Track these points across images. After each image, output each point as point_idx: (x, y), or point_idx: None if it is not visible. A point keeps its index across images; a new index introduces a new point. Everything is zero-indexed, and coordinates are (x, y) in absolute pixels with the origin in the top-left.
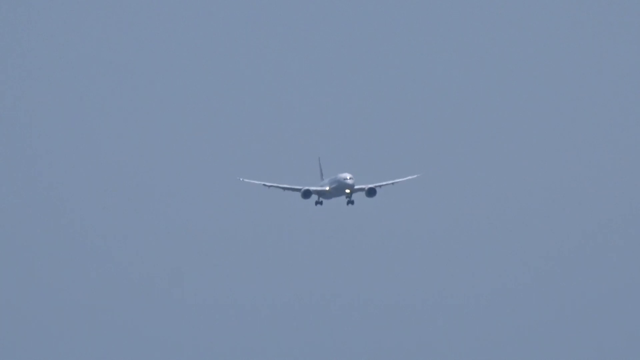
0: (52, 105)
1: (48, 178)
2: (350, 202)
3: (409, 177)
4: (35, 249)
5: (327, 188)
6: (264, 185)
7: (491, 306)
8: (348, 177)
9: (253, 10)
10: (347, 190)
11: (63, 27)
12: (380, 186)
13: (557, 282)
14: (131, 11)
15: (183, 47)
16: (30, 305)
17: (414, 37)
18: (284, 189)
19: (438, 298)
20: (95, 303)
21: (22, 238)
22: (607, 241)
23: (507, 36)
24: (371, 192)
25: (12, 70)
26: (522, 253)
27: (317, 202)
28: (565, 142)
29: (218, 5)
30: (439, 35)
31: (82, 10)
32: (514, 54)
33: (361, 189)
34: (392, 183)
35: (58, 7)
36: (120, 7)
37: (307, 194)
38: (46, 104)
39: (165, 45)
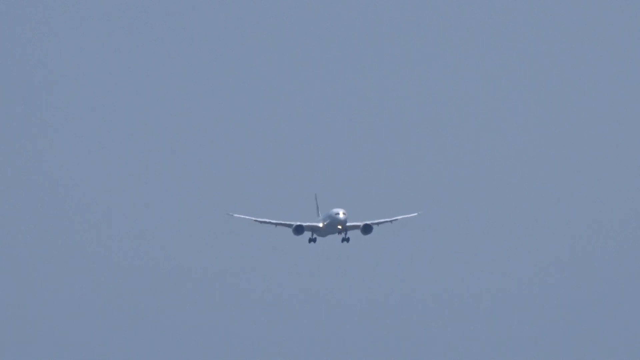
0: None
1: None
2: (345, 239)
3: (409, 215)
4: (38, 248)
5: (321, 224)
6: (256, 221)
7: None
8: (341, 213)
9: (248, 45)
10: (339, 226)
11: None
12: (377, 223)
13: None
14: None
15: (177, 89)
16: (38, 302)
17: (418, 74)
18: (276, 224)
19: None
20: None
21: (37, 238)
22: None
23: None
24: (367, 229)
25: (14, 70)
26: (525, 298)
27: (310, 239)
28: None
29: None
30: (443, 75)
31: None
32: (522, 97)
33: (356, 226)
34: (391, 221)
35: (65, 8)
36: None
37: (299, 229)
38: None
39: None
